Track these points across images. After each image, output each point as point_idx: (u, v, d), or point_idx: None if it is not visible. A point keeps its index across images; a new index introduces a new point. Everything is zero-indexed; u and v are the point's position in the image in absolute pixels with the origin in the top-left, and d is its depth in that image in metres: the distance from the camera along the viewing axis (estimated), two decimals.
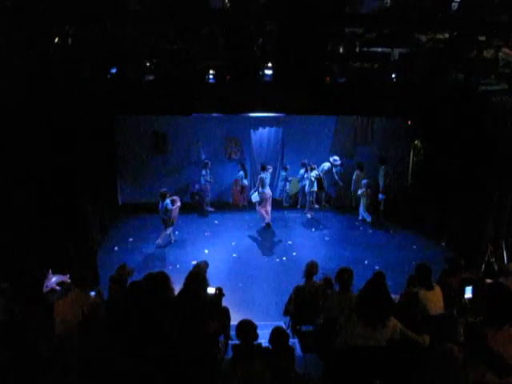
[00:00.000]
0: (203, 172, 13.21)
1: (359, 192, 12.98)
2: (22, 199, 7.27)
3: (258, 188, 12.08)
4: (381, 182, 13.10)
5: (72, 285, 5.54)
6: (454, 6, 4.73)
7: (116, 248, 10.72)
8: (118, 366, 3.92)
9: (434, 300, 5.41)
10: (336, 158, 13.63)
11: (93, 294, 5.94)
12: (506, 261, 8.22)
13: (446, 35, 5.99)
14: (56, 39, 5.28)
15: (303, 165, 13.44)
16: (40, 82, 6.71)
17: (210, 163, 13.26)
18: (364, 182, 12.92)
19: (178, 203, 11.22)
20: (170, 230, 11.15)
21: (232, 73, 7.00)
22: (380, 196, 13.24)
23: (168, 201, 10.82)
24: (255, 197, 12.23)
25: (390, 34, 6.00)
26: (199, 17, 5.41)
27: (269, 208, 12.22)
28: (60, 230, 8.06)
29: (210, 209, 13.68)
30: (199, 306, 4.69)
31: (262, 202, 12.11)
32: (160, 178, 13.19)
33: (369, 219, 12.82)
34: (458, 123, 9.91)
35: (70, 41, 5.33)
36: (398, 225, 12.56)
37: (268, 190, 12.16)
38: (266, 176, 12.25)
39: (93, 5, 5.10)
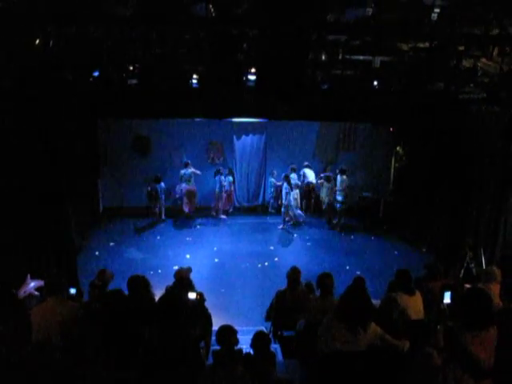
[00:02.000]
0: (218, 178, 13.26)
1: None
2: (0, 202, 7.16)
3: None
4: (339, 191, 12.97)
5: (47, 292, 5.42)
6: (434, 16, 4.83)
7: (97, 253, 10.61)
8: (98, 372, 3.89)
9: (414, 305, 5.47)
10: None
11: (73, 291, 5.85)
12: (484, 266, 8.34)
13: (427, 44, 6.09)
14: (37, 41, 5.21)
15: (293, 170, 13.46)
16: (21, 84, 6.63)
17: (223, 170, 13.54)
18: (322, 175, 13.29)
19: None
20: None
21: (215, 78, 7.01)
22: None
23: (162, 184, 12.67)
24: None
25: (371, 42, 6.09)
26: (182, 23, 5.41)
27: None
28: (39, 233, 7.95)
29: (222, 216, 13.59)
30: (181, 311, 4.66)
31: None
32: (142, 182, 13.09)
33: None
34: (438, 131, 10.08)
35: (51, 43, 5.26)
36: (379, 231, 12.68)
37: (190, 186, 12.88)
38: (186, 172, 12.89)
39: (75, 7, 5.06)
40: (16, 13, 4.87)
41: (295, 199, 12.90)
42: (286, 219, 12.84)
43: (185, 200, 13.10)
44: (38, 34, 5.22)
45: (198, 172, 13.13)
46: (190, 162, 13.08)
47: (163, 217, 13.11)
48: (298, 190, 13.06)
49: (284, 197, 12.55)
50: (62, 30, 5.42)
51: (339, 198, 12.79)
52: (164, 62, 6.80)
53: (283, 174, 12.74)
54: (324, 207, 13.36)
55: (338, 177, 12.87)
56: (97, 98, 8.25)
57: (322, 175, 13.40)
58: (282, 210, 12.78)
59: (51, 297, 5.25)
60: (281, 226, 12.88)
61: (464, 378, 3.53)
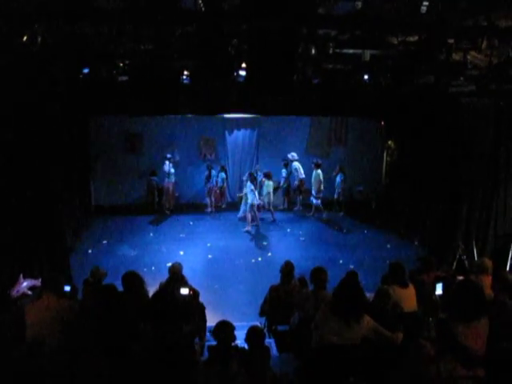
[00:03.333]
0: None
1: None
2: None
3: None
4: (314, 185, 13.15)
5: (43, 289, 5.42)
6: (423, 9, 4.83)
7: (90, 251, 10.56)
8: (92, 367, 3.88)
9: (407, 297, 5.50)
10: (294, 154, 13.74)
11: (67, 289, 5.84)
12: (476, 258, 8.41)
13: (416, 38, 6.11)
14: (24, 37, 5.15)
15: (286, 164, 13.48)
16: (10, 82, 6.58)
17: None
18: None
19: None
20: None
21: (206, 73, 6.98)
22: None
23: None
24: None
25: (361, 36, 6.09)
26: (171, 17, 5.38)
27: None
28: (32, 232, 7.91)
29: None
30: (173, 307, 4.66)
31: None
32: (134, 179, 13.06)
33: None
34: (428, 124, 10.12)
35: (39, 40, 5.20)
36: (372, 224, 12.73)
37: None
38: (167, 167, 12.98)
39: (63, 3, 5.02)
40: (1, 9, 4.82)
41: (268, 194, 12.92)
42: (250, 219, 12.34)
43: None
44: (25, 30, 5.16)
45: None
46: (170, 156, 13.03)
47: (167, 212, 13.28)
48: (267, 187, 12.98)
49: (248, 196, 12.22)
50: (49, 27, 5.36)
51: (313, 192, 12.92)
52: (154, 58, 6.77)
53: (247, 173, 12.64)
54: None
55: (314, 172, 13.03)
56: (87, 96, 8.21)
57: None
58: (247, 209, 12.30)
59: (46, 294, 5.25)
60: (246, 228, 12.30)
61: (456, 369, 3.56)
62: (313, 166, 13.09)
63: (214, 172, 13.46)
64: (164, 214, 13.24)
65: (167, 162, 12.97)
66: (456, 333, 3.76)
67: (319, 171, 12.88)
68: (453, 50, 6.26)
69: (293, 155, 13.64)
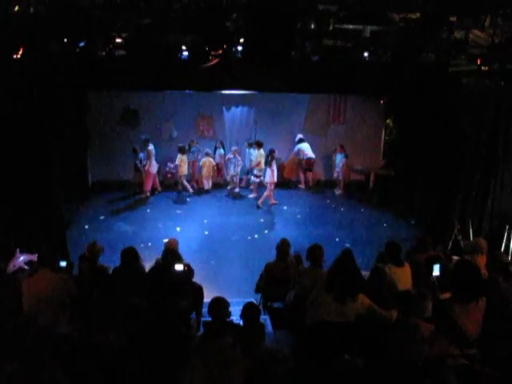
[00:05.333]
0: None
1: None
2: None
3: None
4: (255, 163, 12.87)
5: (39, 264, 5.46)
6: None
7: (86, 226, 10.58)
8: (89, 342, 3.92)
9: (403, 276, 5.53)
10: (300, 135, 13.63)
11: (63, 264, 5.86)
12: (471, 238, 8.45)
13: (418, 15, 6.02)
14: (16, 7, 5.01)
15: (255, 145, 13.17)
16: (4, 56, 6.47)
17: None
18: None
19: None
20: None
21: (205, 49, 6.89)
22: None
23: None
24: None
25: (362, 11, 5.99)
26: None
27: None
28: (28, 207, 7.90)
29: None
30: (169, 282, 4.69)
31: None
32: (130, 155, 12.97)
33: None
34: (428, 103, 10.05)
35: (31, 10, 5.09)
36: (369, 203, 12.75)
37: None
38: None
39: None
40: None
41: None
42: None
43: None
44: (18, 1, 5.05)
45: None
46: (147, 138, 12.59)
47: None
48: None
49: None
50: None
51: (255, 171, 12.69)
52: (152, 33, 6.65)
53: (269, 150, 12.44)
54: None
55: (252, 151, 12.93)
56: (83, 70, 8.09)
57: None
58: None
59: (42, 269, 5.28)
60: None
61: (450, 348, 3.60)
62: (254, 145, 12.85)
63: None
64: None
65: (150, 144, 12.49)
66: (453, 314, 3.80)
67: (261, 151, 12.56)
68: (455, 28, 6.17)
69: (299, 137, 13.53)
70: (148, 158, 12.35)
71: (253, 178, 12.86)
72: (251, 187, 13.20)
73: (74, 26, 6.26)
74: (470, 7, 5.73)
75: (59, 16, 5.76)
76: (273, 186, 12.22)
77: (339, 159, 13.50)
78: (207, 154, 13.25)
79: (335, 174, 13.74)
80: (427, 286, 5.24)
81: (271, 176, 12.01)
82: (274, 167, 12.09)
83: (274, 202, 12.37)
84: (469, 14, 5.94)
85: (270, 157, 12.10)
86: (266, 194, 12.23)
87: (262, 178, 12.55)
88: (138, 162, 12.56)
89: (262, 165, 12.45)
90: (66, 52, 6.99)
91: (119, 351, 3.84)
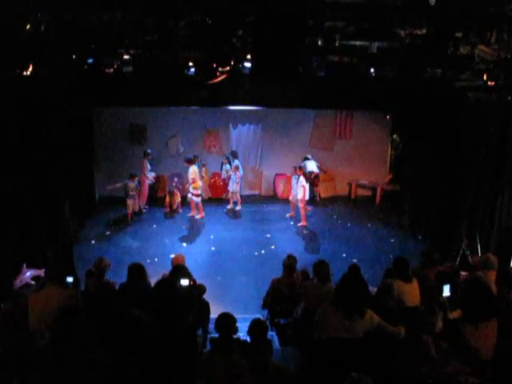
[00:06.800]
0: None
1: None
2: None
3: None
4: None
5: (46, 279, 5.45)
6: (432, 1, 4.77)
7: (93, 242, 10.59)
8: (94, 359, 3.88)
9: (411, 292, 5.48)
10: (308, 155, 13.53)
11: (70, 280, 5.84)
12: (479, 253, 8.37)
13: (424, 31, 6.04)
14: (28, 26, 5.10)
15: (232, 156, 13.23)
16: (13, 72, 6.55)
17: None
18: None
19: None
20: None
21: (211, 65, 6.94)
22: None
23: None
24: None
25: (369, 27, 6.02)
26: (177, 7, 5.34)
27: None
28: (35, 222, 7.92)
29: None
30: (175, 297, 4.65)
31: None
32: (137, 170, 13.01)
33: None
34: (434, 118, 10.05)
35: (42, 28, 5.16)
36: (376, 218, 12.69)
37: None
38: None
39: None
40: None
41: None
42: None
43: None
44: (29, 19, 5.12)
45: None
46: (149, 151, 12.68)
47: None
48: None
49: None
50: (53, 16, 5.31)
51: (191, 189, 11.99)
52: (159, 49, 6.72)
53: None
54: None
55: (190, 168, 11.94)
56: (91, 87, 8.17)
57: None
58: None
59: (49, 284, 5.26)
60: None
61: (463, 367, 3.54)
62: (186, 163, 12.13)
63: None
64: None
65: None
66: (465, 335, 3.74)
67: (195, 167, 11.98)
68: (460, 44, 6.19)
69: (307, 157, 13.41)
70: (142, 170, 12.49)
71: (189, 196, 12.25)
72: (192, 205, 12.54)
73: (83, 43, 6.33)
74: (475, 23, 5.74)
75: (68, 33, 5.83)
76: (303, 204, 11.68)
77: (294, 182, 12.33)
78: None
79: (290, 197, 12.60)
80: (437, 304, 5.17)
81: (303, 194, 11.48)
82: (306, 184, 11.56)
83: (304, 223, 11.88)
84: (474, 30, 5.96)
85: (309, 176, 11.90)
86: (302, 213, 11.78)
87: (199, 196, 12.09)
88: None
89: (199, 182, 11.93)
90: (75, 68, 7.08)
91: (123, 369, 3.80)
